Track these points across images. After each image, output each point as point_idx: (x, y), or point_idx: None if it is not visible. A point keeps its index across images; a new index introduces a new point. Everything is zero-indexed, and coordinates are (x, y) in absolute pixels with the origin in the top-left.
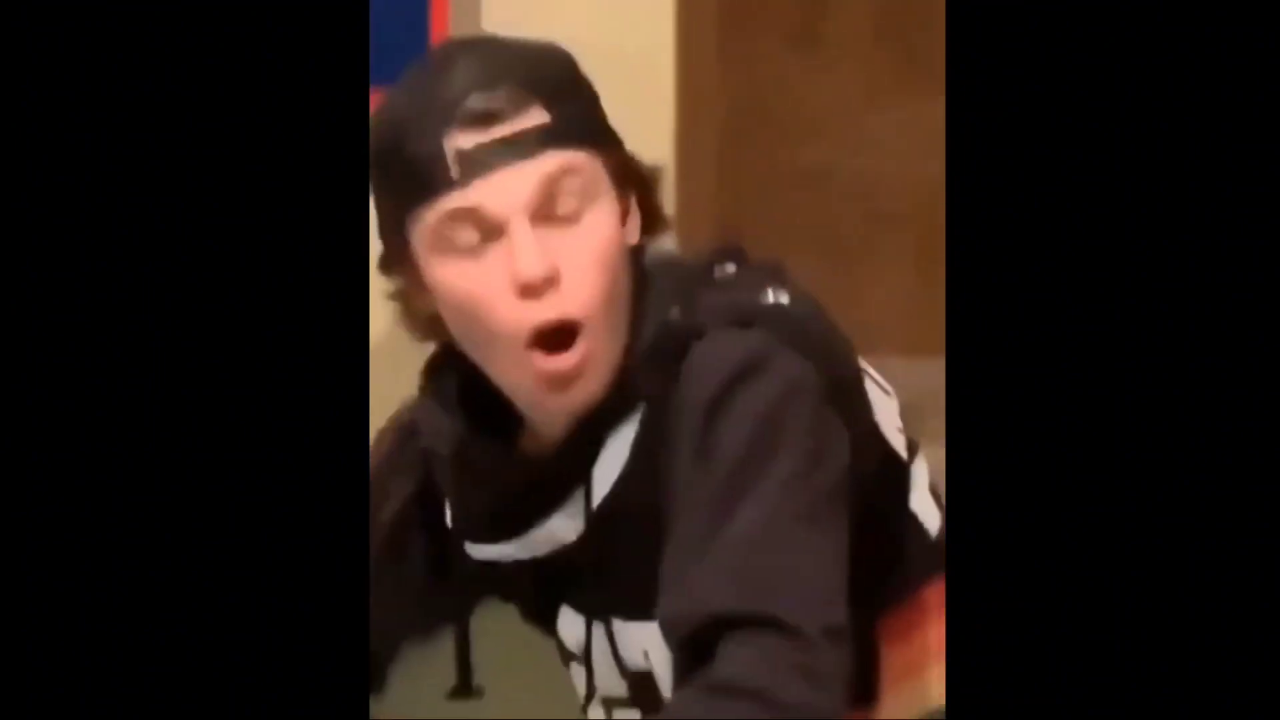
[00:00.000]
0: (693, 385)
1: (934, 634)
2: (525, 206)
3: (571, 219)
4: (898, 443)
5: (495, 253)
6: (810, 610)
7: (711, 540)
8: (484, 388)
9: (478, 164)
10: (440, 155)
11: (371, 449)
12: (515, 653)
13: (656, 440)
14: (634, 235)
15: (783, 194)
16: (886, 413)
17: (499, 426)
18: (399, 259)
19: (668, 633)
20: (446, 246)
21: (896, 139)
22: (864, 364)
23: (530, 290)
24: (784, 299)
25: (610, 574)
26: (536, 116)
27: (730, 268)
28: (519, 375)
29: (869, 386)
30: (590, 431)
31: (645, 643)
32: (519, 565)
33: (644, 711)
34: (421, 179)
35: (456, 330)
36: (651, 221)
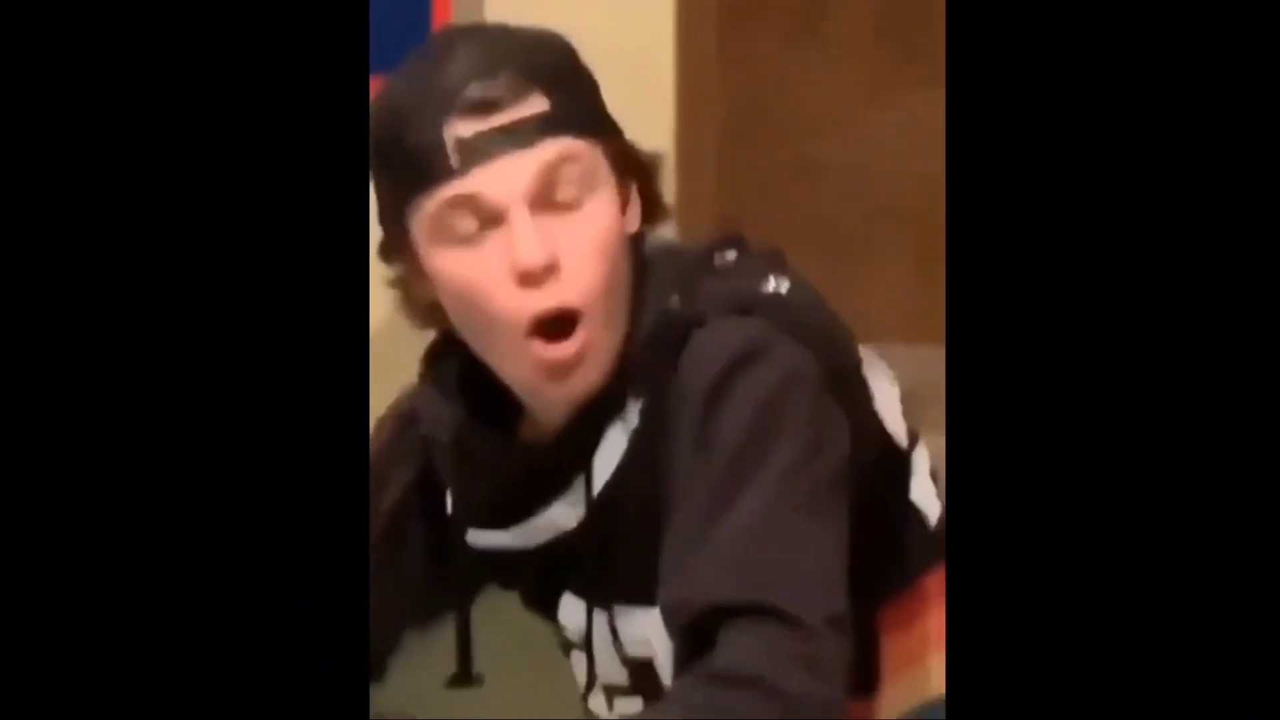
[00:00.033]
0: (692, 373)
1: (934, 623)
2: (525, 195)
3: (571, 207)
4: (898, 431)
5: (495, 241)
6: (810, 599)
7: (712, 529)
8: (484, 375)
9: (477, 152)
10: (440, 143)
11: (371, 437)
12: (516, 641)
13: (657, 428)
14: (634, 223)
15: (783, 189)
16: (887, 401)
17: (499, 414)
18: (399, 247)
19: (668, 621)
20: (446, 235)
21: (895, 134)
22: (866, 352)
23: (530, 278)
24: (784, 287)
25: (611, 561)
26: (536, 104)
27: (730, 255)
28: (518, 364)
29: (870, 374)
30: (590, 419)
31: (646, 630)
32: (520, 553)
33: (645, 699)
34: (421, 167)
35: (456, 318)
36: (652, 209)
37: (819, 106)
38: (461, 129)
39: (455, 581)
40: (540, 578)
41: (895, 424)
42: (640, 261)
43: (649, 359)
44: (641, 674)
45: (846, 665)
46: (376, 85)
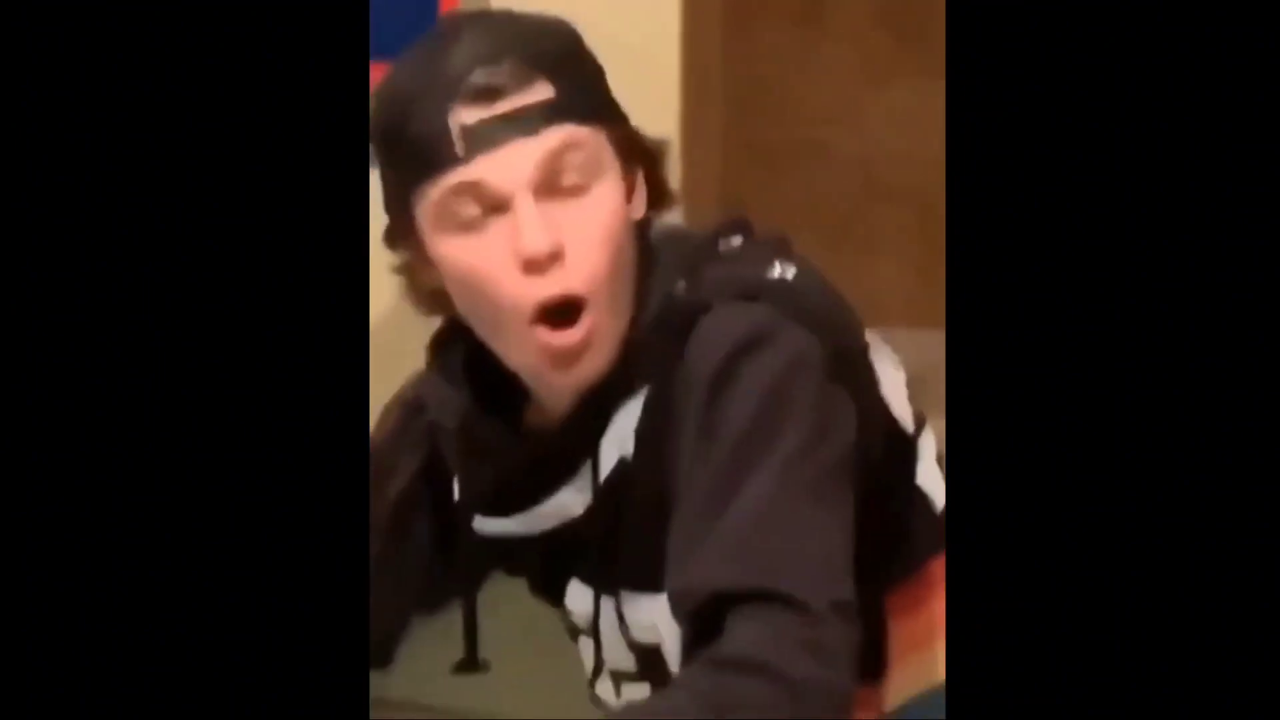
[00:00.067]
0: (698, 359)
1: (941, 608)
2: (529, 182)
3: (576, 194)
4: (904, 416)
5: (500, 228)
6: (816, 585)
7: (718, 516)
8: (490, 362)
9: (482, 139)
10: (445, 131)
11: (377, 425)
12: (523, 627)
13: (663, 414)
14: (639, 210)
15: (786, 174)
16: (893, 386)
17: (505, 400)
18: (404, 233)
19: (675, 608)
20: (451, 222)
21: (898, 119)
22: (872, 337)
23: (534, 265)
24: (790, 273)
25: (618, 548)
26: (541, 91)
27: (736, 241)
28: (524, 350)
29: (875, 359)
30: (597, 405)
31: (654, 616)
32: (526, 539)
33: (652, 685)
34: (426, 154)
35: (462, 305)
36: (657, 196)
37: (822, 92)
38: (466, 116)
39: (462, 568)
40: (547, 564)
41: (901, 409)
42: (646, 247)
43: (654, 345)
44: (649, 660)
45: (853, 651)
46: (382, 72)
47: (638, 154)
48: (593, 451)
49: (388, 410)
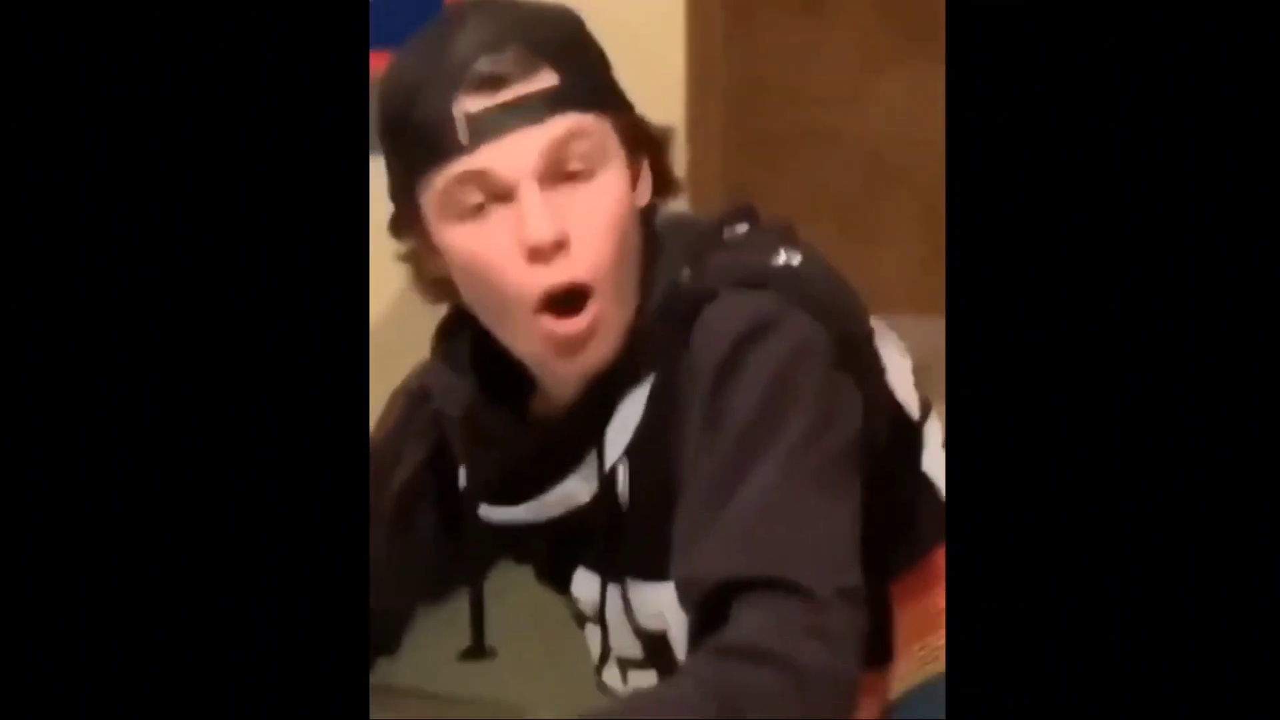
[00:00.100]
0: (703, 347)
1: None
2: (534, 170)
3: (581, 182)
4: (911, 403)
5: (505, 217)
6: (822, 572)
7: (724, 504)
8: (496, 350)
9: (487, 128)
10: (449, 119)
11: (383, 414)
12: (529, 614)
13: (668, 402)
14: (644, 197)
15: (790, 160)
16: (899, 372)
17: (511, 389)
18: (409, 222)
19: (682, 596)
20: (456, 210)
21: (901, 104)
22: (878, 323)
23: (539, 254)
24: (795, 260)
25: (624, 535)
26: (545, 79)
27: (741, 228)
28: (529, 339)
29: (882, 347)
30: (602, 393)
31: (660, 604)
32: (533, 527)
33: (659, 673)
34: (431, 143)
35: (467, 294)
36: (662, 184)
37: (826, 79)
38: (471, 104)
39: (468, 556)
40: (553, 552)
41: (907, 395)
42: (651, 235)
43: (660, 333)
44: (656, 647)
45: (860, 638)
46: (387, 61)
47: (642, 142)
48: (598, 440)
49: (393, 399)
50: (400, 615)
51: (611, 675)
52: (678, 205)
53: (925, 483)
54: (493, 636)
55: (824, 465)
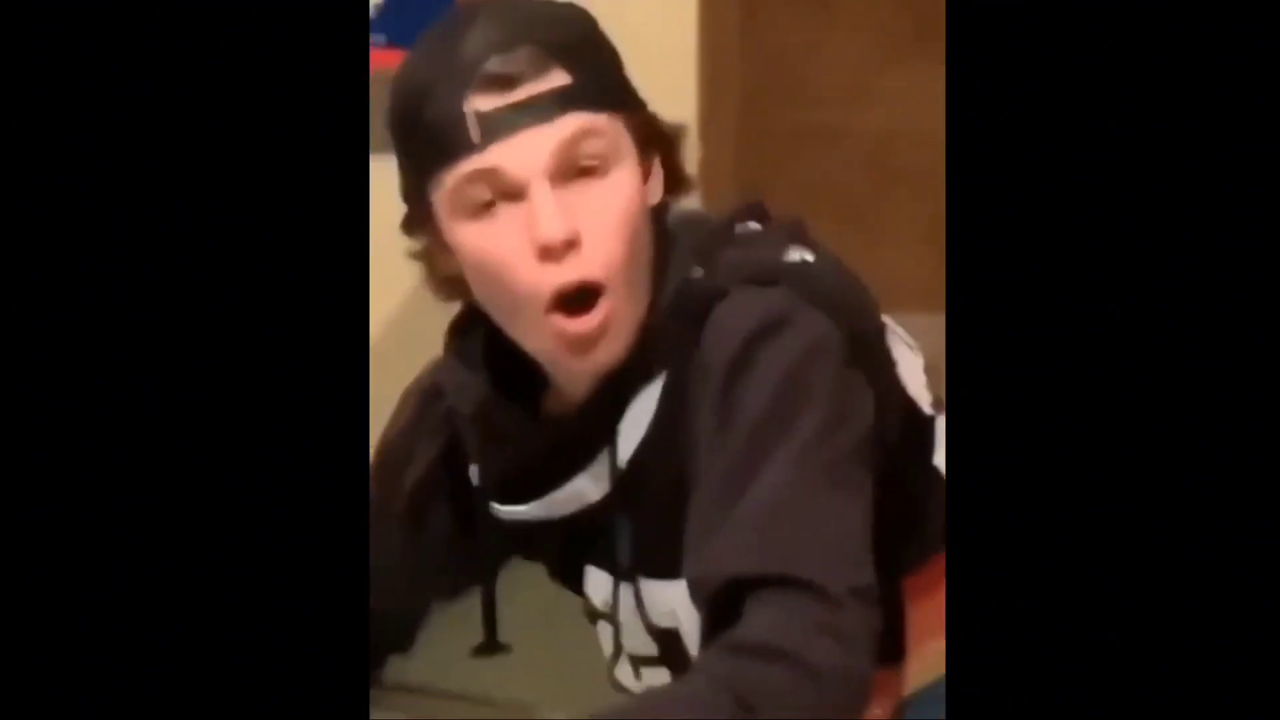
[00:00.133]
0: (714, 345)
1: None
2: (545, 169)
3: (593, 180)
4: (922, 400)
5: (516, 215)
6: (835, 570)
7: (735, 502)
8: (508, 348)
9: (498, 126)
10: (460, 118)
11: (396, 412)
12: (542, 610)
13: (680, 399)
14: (656, 195)
15: (801, 158)
16: (910, 368)
17: (524, 386)
18: (421, 220)
19: (694, 594)
20: (467, 209)
21: (911, 102)
22: (889, 320)
23: (550, 252)
24: (807, 257)
25: (636, 533)
26: (557, 78)
27: (753, 226)
28: (541, 337)
29: (894, 343)
30: (614, 391)
31: (672, 601)
32: (545, 524)
33: (672, 670)
34: (442, 141)
35: (479, 292)
36: (674, 181)
37: (837, 77)
38: (482, 103)
39: (481, 553)
40: (565, 549)
41: (918, 391)
42: (663, 233)
43: (671, 330)
44: (668, 644)
45: (873, 636)
46: (398, 59)
47: (654, 140)
48: (610, 437)
49: (406, 397)
50: (413, 613)
51: (624, 672)
52: (690, 203)
53: (937, 479)
54: (505, 634)
55: (836, 462)
